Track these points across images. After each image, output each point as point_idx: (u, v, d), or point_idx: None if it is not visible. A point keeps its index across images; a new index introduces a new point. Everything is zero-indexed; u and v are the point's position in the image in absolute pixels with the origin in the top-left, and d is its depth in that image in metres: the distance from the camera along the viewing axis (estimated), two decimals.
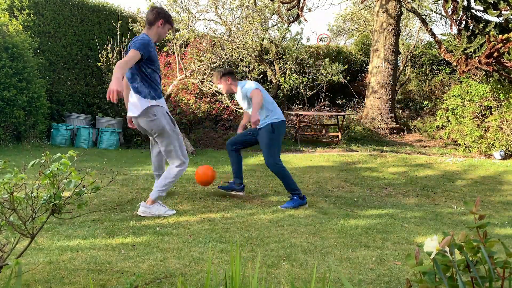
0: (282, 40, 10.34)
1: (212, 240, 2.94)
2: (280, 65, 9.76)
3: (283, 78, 8.96)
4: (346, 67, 9.96)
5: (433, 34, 7.27)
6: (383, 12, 9.32)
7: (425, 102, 10.37)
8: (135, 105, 3.39)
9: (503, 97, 6.94)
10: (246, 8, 8.17)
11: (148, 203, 3.48)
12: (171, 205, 3.80)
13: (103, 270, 2.37)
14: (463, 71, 6.67)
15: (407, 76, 11.87)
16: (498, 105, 7.08)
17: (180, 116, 7.08)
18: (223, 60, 7.60)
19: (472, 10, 6.62)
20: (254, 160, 6.33)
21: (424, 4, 12.77)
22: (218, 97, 7.41)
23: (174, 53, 7.33)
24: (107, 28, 8.05)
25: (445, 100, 7.99)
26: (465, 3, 6.36)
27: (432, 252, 1.22)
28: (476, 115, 7.27)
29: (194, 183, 4.66)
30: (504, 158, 6.93)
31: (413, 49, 12.02)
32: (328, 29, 16.32)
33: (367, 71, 10.83)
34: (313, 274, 1.47)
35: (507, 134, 6.87)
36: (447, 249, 1.22)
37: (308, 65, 9.98)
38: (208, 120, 8.17)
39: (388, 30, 9.27)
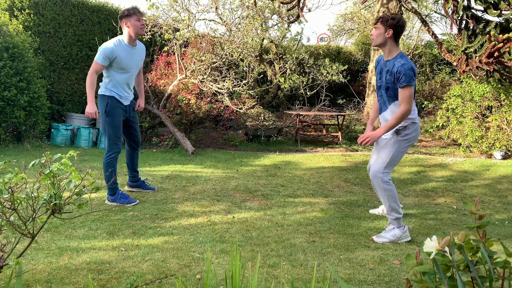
0: (282, 40, 10.34)
1: (212, 240, 2.94)
2: (280, 65, 9.76)
3: (283, 78, 8.96)
4: (346, 67, 9.96)
5: (433, 34, 7.27)
6: (383, 12, 9.32)
7: (425, 102, 10.37)
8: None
9: (504, 97, 6.93)
10: (246, 8, 8.17)
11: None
12: (172, 205, 3.80)
13: (103, 270, 2.37)
14: (463, 71, 6.67)
15: None
16: (498, 105, 7.07)
17: (180, 116, 7.08)
18: (223, 60, 7.61)
19: (473, 10, 6.62)
20: (255, 161, 6.33)
21: (424, 4, 12.77)
22: (218, 97, 7.41)
23: (174, 53, 7.34)
24: (107, 28, 8.05)
25: (445, 100, 7.99)
26: (465, 3, 6.36)
27: (432, 252, 1.23)
28: (477, 115, 7.27)
29: (194, 183, 4.66)
30: (504, 158, 6.92)
31: (413, 49, 12.01)
32: (328, 29, 16.33)
33: (367, 71, 10.82)
34: (313, 274, 1.47)
35: (508, 134, 6.87)
36: (446, 249, 1.22)
37: (308, 65, 9.98)
38: (208, 120, 8.17)
39: None
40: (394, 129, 3.19)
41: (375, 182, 3.25)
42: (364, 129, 8.89)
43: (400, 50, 3.15)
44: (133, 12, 3.64)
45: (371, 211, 3.88)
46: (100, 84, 3.75)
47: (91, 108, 3.57)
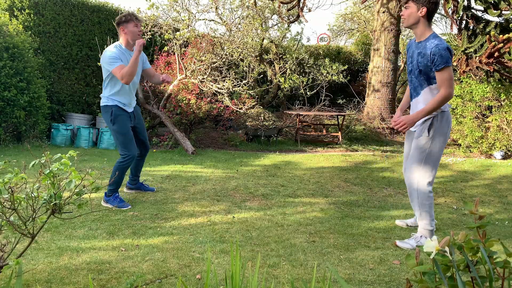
0: (282, 40, 10.34)
1: (212, 240, 2.94)
2: (280, 65, 9.77)
3: (283, 78, 8.97)
4: (346, 67, 9.96)
5: None
6: (383, 12, 9.32)
7: None
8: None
9: (504, 97, 6.93)
10: (246, 8, 8.18)
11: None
12: (171, 205, 3.80)
13: (103, 270, 2.37)
14: (463, 71, 6.66)
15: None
16: (498, 105, 7.07)
17: (180, 116, 7.08)
18: (223, 60, 7.61)
19: (473, 10, 6.62)
20: (255, 161, 6.33)
21: None
22: (218, 97, 7.41)
23: (174, 53, 7.34)
24: (107, 28, 8.05)
25: None
26: (466, 3, 6.36)
27: (432, 252, 1.23)
28: (477, 115, 7.27)
29: (194, 183, 4.66)
30: (504, 158, 6.92)
31: None
32: (328, 29, 16.34)
33: (367, 71, 10.82)
34: (313, 274, 1.47)
35: (508, 134, 6.86)
36: (447, 249, 1.22)
37: (308, 65, 9.98)
38: (208, 120, 8.17)
39: (388, 29, 9.28)
40: (426, 128, 2.94)
41: (410, 190, 3.02)
42: (364, 129, 8.89)
43: (434, 31, 2.91)
44: (130, 18, 3.59)
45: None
46: (101, 95, 3.74)
47: (140, 42, 3.51)
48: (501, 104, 7.03)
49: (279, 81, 9.18)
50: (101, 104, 3.72)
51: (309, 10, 9.41)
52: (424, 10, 2.85)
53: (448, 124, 2.96)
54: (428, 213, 2.98)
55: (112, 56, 3.52)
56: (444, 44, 2.78)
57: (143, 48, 8.27)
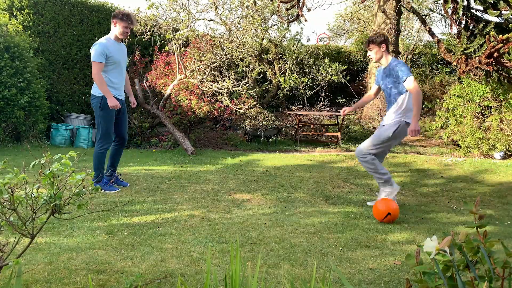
0: (281, 40, 10.33)
1: (212, 240, 2.94)
2: (280, 65, 9.76)
3: (283, 78, 8.96)
4: (345, 67, 9.95)
5: (432, 34, 7.27)
6: (382, 12, 9.32)
7: (425, 103, 10.36)
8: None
9: (503, 97, 6.93)
10: (246, 8, 8.18)
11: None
12: (171, 205, 3.80)
13: (102, 270, 2.37)
14: (463, 71, 6.66)
15: None
16: (497, 105, 7.07)
17: (180, 116, 7.07)
18: (223, 59, 7.60)
19: (472, 10, 6.62)
20: (254, 161, 6.33)
21: (424, 4, 12.77)
22: (218, 97, 7.40)
23: (174, 53, 7.34)
24: (106, 28, 8.05)
25: (445, 100, 7.98)
26: (465, 3, 6.36)
27: (432, 252, 1.23)
28: (477, 115, 7.27)
29: (193, 183, 4.65)
30: (504, 158, 6.93)
31: (412, 49, 12.02)
32: (327, 29, 16.34)
33: (367, 71, 10.82)
34: (313, 274, 1.47)
35: (507, 134, 6.87)
36: (447, 249, 1.22)
37: (308, 65, 9.97)
38: (208, 120, 8.17)
39: (387, 30, 9.28)
40: (393, 129, 3.77)
41: (361, 163, 3.98)
42: (364, 128, 8.90)
43: (392, 57, 3.85)
44: (125, 19, 3.94)
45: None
46: (95, 85, 4.00)
47: (112, 101, 3.87)
48: (500, 104, 7.03)
49: (278, 81, 9.18)
50: (95, 93, 3.99)
51: (309, 10, 9.39)
52: (384, 46, 3.78)
53: (405, 133, 3.80)
54: (374, 172, 3.87)
55: (101, 51, 3.87)
56: (401, 61, 3.79)
57: (143, 48, 8.29)
